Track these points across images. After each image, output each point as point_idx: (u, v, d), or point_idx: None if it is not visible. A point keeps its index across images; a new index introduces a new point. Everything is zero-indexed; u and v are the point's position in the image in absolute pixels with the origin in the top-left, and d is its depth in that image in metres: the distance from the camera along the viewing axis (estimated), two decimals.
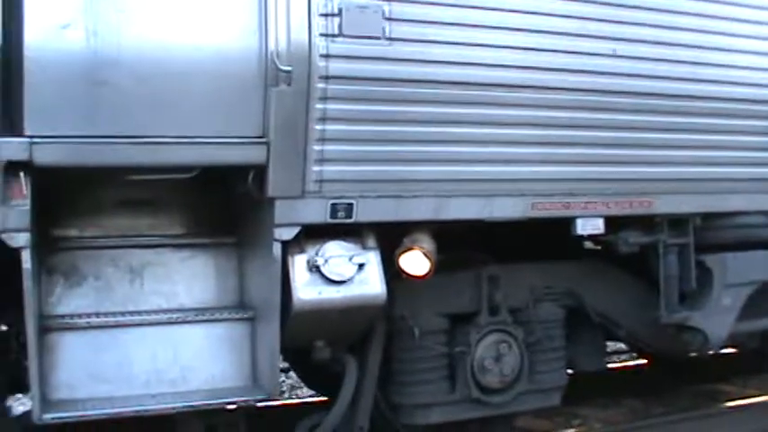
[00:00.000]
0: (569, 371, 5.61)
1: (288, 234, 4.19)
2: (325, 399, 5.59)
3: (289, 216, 4.17)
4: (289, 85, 4.06)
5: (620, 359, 8.76)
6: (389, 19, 4.30)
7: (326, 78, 4.15)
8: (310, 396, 6.96)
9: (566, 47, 4.74)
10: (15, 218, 3.75)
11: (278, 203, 4.14)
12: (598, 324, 5.66)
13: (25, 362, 4.31)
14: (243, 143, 4.09)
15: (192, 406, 4.31)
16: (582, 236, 5.12)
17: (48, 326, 4.16)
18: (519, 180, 4.69)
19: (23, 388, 5.02)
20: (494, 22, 4.55)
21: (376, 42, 4.29)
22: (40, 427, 4.12)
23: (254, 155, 4.09)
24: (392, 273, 4.53)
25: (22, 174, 3.74)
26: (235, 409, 4.68)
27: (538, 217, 4.80)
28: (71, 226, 4.52)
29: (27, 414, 5.07)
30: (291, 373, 7.36)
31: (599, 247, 5.76)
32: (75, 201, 4.52)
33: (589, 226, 4.98)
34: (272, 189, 4.11)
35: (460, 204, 4.55)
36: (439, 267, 4.61)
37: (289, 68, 4.04)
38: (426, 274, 4.57)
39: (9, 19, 3.69)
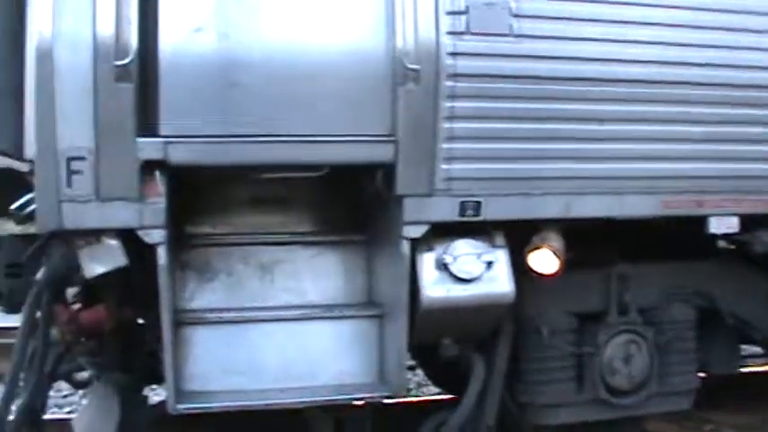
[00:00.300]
0: (701, 374, 5.43)
1: (416, 232, 4.20)
2: (452, 397, 5.57)
3: (417, 214, 4.18)
4: (417, 83, 4.07)
5: (756, 363, 8.43)
6: (516, 16, 4.26)
7: (454, 76, 4.14)
8: (437, 394, 6.95)
9: (708, 41, 4.59)
10: (151, 215, 3.89)
11: (406, 201, 4.15)
12: (731, 326, 5.47)
13: (160, 354, 4.46)
14: (371, 141, 4.12)
15: (320, 401, 4.38)
16: (714, 235, 4.96)
17: (182, 320, 4.29)
18: (651, 177, 4.56)
19: (159, 379, 5.21)
20: (626, 17, 4.45)
21: (503, 39, 4.25)
22: (174, 417, 4.27)
23: (382, 153, 4.11)
24: (520, 271, 4.47)
25: (157, 173, 3.88)
26: (362, 405, 4.74)
27: (669, 215, 4.68)
28: (204, 223, 4.64)
29: (162, 404, 5.25)
30: (418, 371, 7.37)
31: (732, 247, 5.57)
32: (207, 198, 4.64)
33: (723, 225, 4.81)
34: (400, 187, 4.13)
35: (591, 202, 4.46)
36: (567, 266, 4.54)
37: (417, 67, 4.05)
38: (555, 273, 4.50)
39: (145, 24, 3.82)
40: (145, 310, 4.63)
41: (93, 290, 4.51)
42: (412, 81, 4.05)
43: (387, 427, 5.11)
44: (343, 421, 4.72)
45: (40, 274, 4.23)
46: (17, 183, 4.74)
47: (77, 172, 3.76)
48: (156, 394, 6.38)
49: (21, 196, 4.67)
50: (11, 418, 4.42)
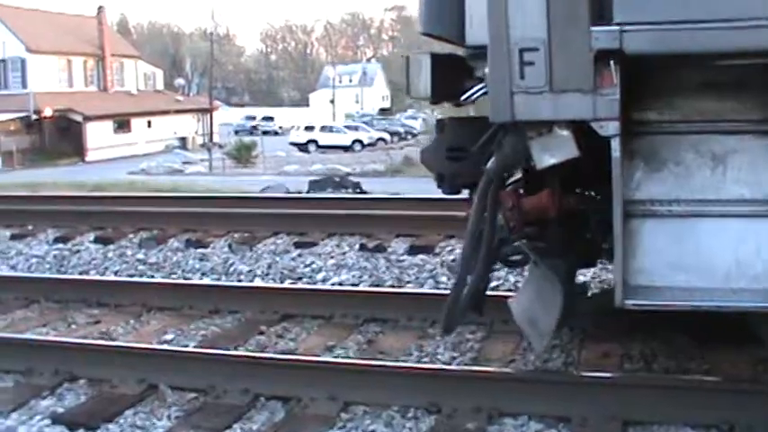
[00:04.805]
0: None
1: None
2: None
3: None
4: None
5: None
6: None
7: None
8: None
9: None
10: (605, 106, 3.77)
11: None
12: None
13: (602, 244, 4.41)
14: None
15: None
16: None
17: (630, 212, 4.15)
18: None
19: (589, 265, 5.17)
20: None
21: None
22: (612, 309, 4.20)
23: None
24: None
25: (611, 62, 3.72)
26: None
27: None
28: (650, 109, 4.39)
29: (601, 295, 5.24)
30: None
31: None
32: (653, 84, 4.37)
33: None
34: None
35: None
36: None
37: None
38: None
39: None
40: (589, 198, 4.59)
41: (536, 176, 4.54)
42: None
43: None
44: None
45: (490, 163, 4.31)
46: (459, 68, 4.86)
47: (530, 63, 3.73)
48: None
49: (461, 81, 4.81)
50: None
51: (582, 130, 3.94)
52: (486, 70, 3.93)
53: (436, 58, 4.72)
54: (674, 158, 4.29)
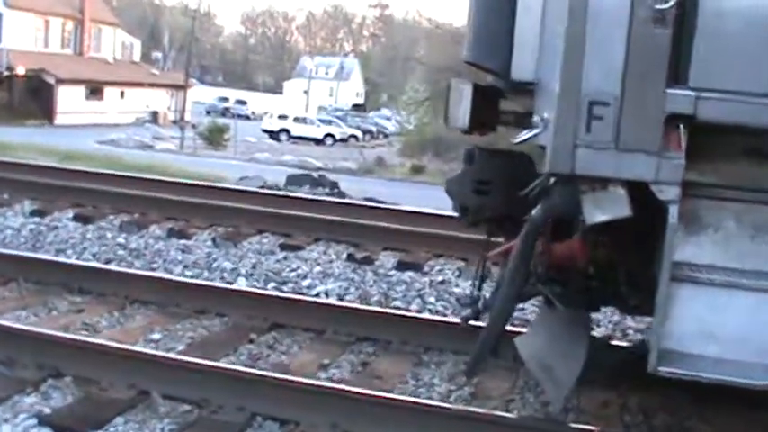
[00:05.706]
0: None
1: None
2: None
3: None
4: None
5: None
6: None
7: None
8: None
9: None
10: (668, 170, 3.67)
11: None
12: None
13: (628, 299, 4.31)
14: None
15: None
16: None
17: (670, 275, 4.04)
18: None
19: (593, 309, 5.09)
20: None
21: None
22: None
23: None
24: None
25: (681, 126, 3.61)
26: None
27: None
28: (694, 171, 4.28)
29: (627, 348, 5.12)
30: None
31: None
32: (700, 146, 4.24)
33: None
34: None
35: None
36: None
37: None
38: None
39: None
40: (619, 252, 4.47)
41: (567, 222, 4.43)
42: None
43: None
44: None
45: (535, 211, 4.18)
46: (494, 100, 4.75)
47: (598, 117, 3.60)
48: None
49: (495, 113, 4.69)
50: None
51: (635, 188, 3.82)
52: (545, 115, 3.78)
53: (476, 89, 4.59)
54: (716, 224, 4.16)
